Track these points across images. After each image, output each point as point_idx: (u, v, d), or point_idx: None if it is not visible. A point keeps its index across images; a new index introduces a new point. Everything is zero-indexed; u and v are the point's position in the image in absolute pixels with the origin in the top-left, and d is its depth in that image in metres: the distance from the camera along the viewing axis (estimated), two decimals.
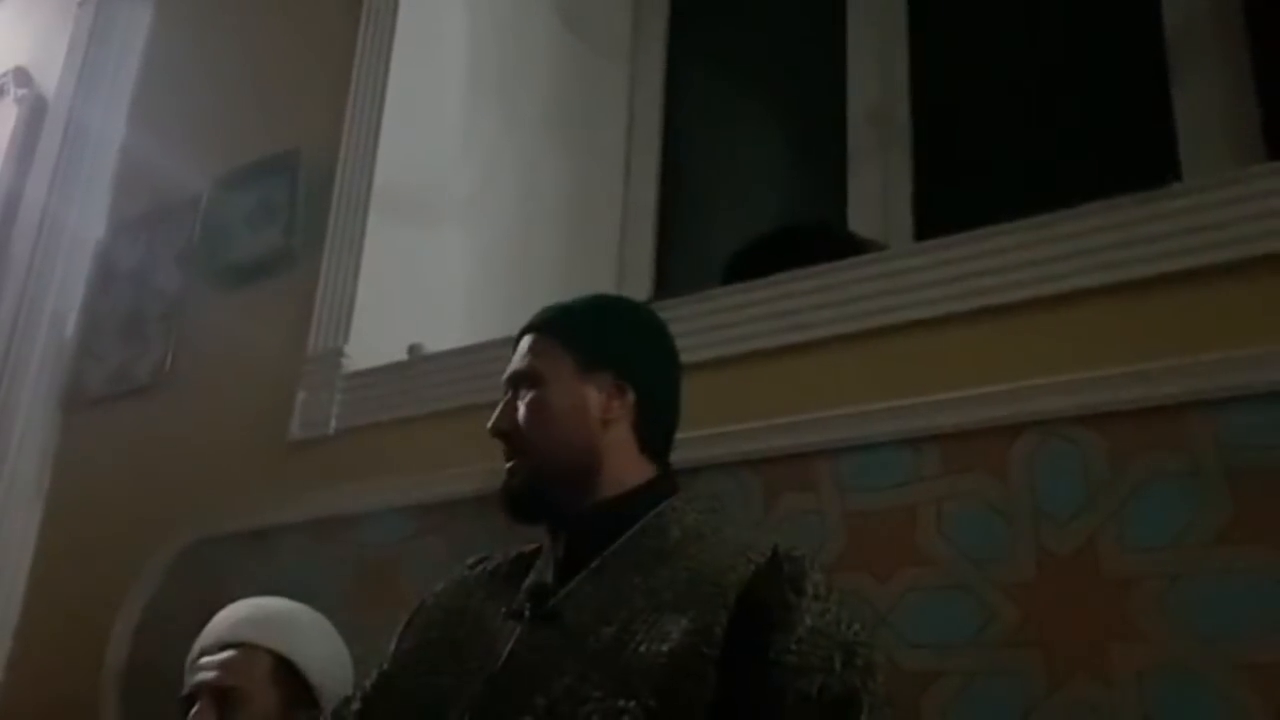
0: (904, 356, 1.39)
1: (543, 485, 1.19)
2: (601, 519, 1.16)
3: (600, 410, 1.20)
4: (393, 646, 1.25)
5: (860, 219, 2.05)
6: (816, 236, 1.79)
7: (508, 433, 1.22)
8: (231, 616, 1.48)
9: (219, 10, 2.54)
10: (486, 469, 1.58)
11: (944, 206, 2.01)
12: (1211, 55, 1.80)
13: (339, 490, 1.79)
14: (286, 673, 1.43)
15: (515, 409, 1.22)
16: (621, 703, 0.99)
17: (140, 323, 2.26)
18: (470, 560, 1.30)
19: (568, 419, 1.19)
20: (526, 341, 1.26)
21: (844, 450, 1.36)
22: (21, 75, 2.74)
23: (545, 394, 1.21)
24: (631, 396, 1.21)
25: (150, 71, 2.59)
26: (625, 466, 1.20)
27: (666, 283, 2.31)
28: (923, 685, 1.22)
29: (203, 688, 1.40)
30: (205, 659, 1.43)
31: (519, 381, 1.23)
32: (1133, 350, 1.23)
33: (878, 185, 2.08)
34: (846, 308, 1.45)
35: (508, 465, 1.22)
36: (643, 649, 1.02)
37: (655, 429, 1.24)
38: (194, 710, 1.39)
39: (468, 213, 2.19)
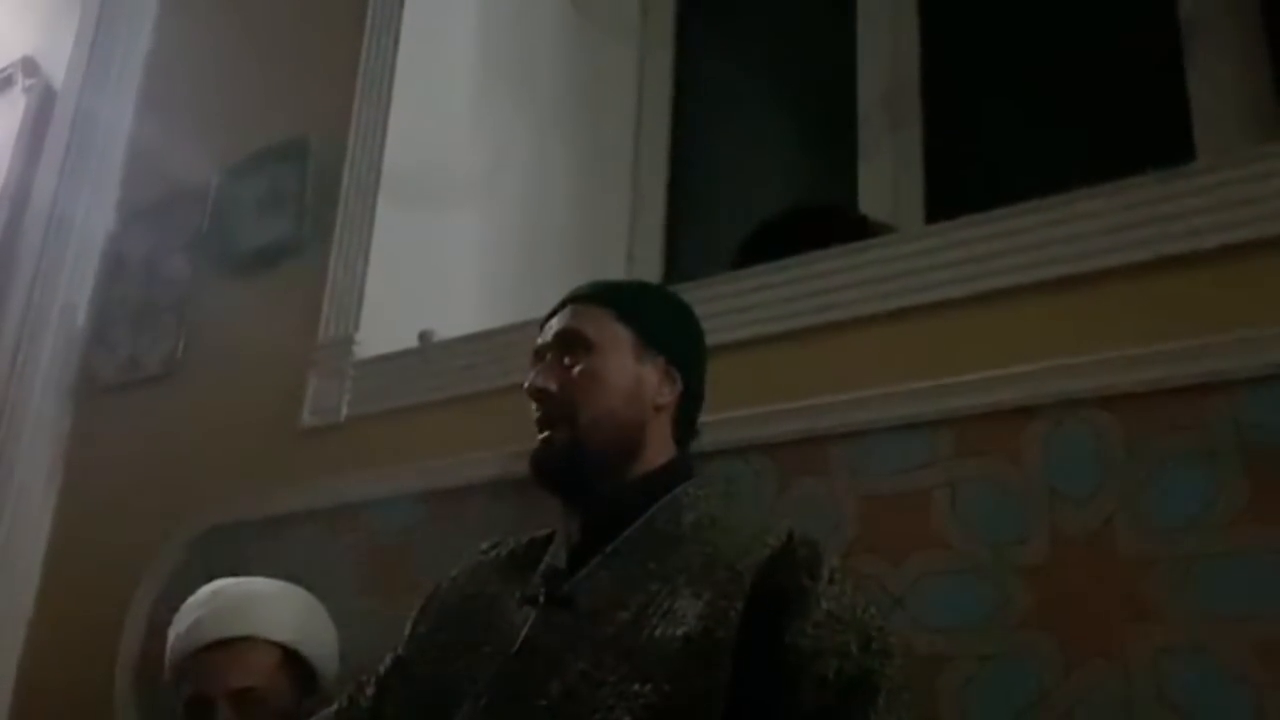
0: (916, 339, 1.38)
1: (583, 456, 1.15)
2: (618, 501, 1.15)
3: (653, 393, 1.19)
4: (407, 631, 1.25)
5: (871, 201, 2.04)
6: (827, 219, 1.79)
7: (553, 393, 1.17)
8: (220, 606, 1.44)
9: None
10: (498, 455, 1.59)
11: (955, 189, 2.00)
12: (1225, 34, 1.78)
13: (350, 477, 1.79)
14: (293, 662, 1.43)
15: (562, 371, 1.18)
16: (636, 686, 0.99)
17: (151, 312, 2.26)
18: (485, 545, 1.30)
19: (624, 394, 1.17)
20: (577, 308, 1.22)
21: (857, 434, 1.36)
22: (29, 65, 2.74)
23: (602, 363, 1.17)
24: (680, 385, 1.21)
25: (158, 60, 2.58)
26: (659, 452, 1.19)
27: (676, 266, 2.31)
28: (937, 668, 1.21)
29: (218, 691, 1.38)
30: (205, 656, 1.40)
31: (570, 343, 1.19)
32: (1148, 331, 1.22)
33: (889, 168, 2.07)
34: (858, 291, 1.44)
35: (543, 433, 1.17)
36: (657, 633, 1.02)
37: (690, 419, 1.24)
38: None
39: (477, 197, 2.18)
